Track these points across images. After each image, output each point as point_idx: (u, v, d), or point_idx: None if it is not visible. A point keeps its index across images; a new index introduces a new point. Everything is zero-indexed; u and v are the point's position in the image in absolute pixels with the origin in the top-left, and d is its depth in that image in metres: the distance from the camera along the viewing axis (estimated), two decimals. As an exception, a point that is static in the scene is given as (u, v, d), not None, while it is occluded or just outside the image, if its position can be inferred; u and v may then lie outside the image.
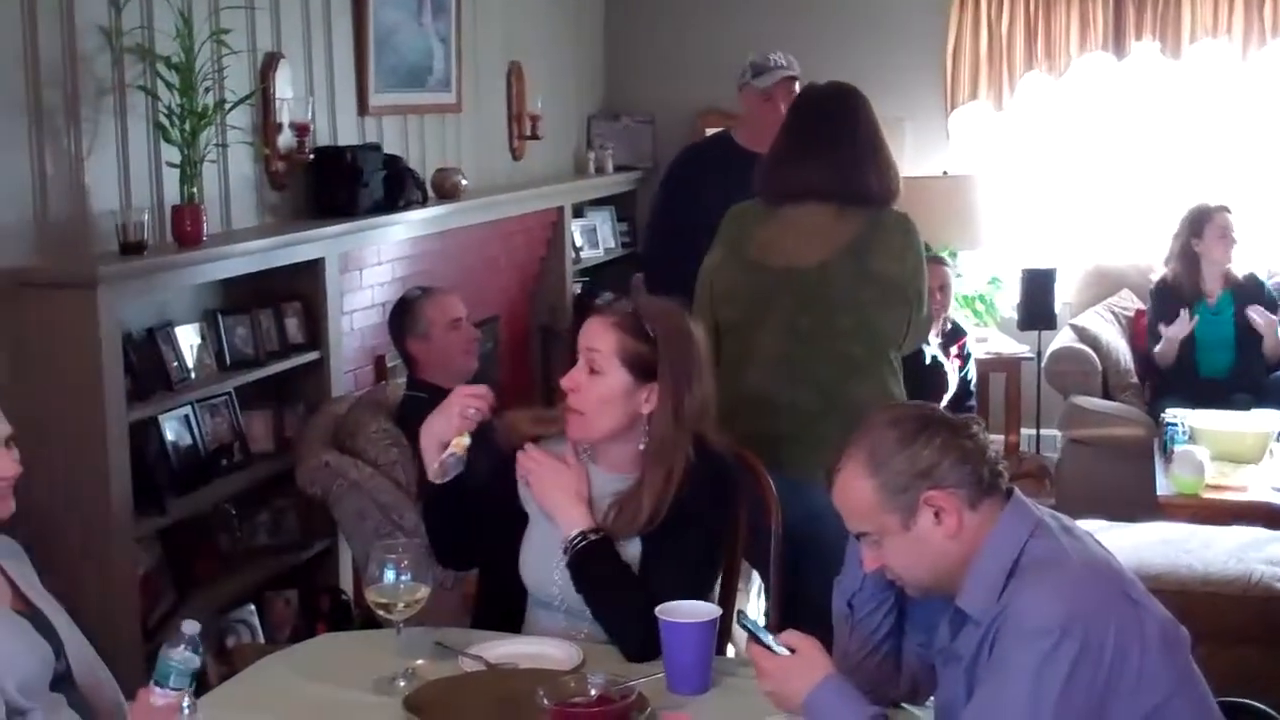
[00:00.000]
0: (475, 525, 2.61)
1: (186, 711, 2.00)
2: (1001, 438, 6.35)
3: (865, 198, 3.35)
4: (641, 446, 2.56)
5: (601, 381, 2.53)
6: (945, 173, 6.76)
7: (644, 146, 7.37)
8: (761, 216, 3.47)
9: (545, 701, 2.14)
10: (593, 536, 2.50)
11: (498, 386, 5.53)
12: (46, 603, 2.49)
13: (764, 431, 3.21)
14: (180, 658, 2.17)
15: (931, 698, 2.24)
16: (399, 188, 4.88)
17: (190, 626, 2.22)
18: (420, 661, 2.40)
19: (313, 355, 4.53)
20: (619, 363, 2.53)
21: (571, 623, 2.58)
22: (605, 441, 2.59)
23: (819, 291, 3.32)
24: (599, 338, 2.55)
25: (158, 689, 2.17)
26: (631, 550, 2.55)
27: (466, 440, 2.52)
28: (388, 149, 5.00)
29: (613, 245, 7.26)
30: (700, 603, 2.37)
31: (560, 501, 2.55)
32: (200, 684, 2.22)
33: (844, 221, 3.34)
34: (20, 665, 2.32)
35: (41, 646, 2.38)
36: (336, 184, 4.62)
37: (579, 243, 6.86)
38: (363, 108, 5.03)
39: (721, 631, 2.54)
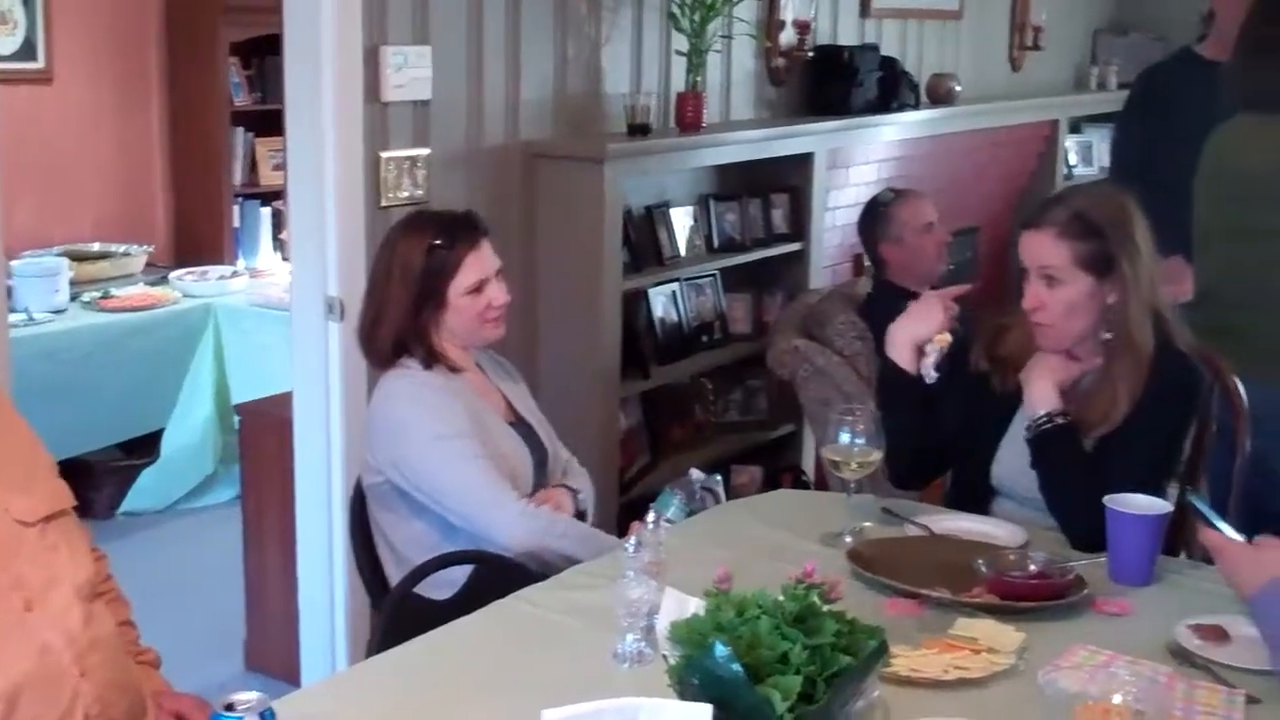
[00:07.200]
0: (936, 430, 2.66)
1: (653, 531, 2.19)
2: None
3: None
4: (1107, 337, 2.55)
5: (1064, 291, 2.52)
6: None
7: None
8: (1233, 123, 3.30)
9: (984, 569, 2.22)
10: (1060, 420, 2.51)
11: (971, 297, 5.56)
12: (534, 417, 2.83)
13: (1214, 325, 3.08)
14: (680, 499, 2.45)
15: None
16: (893, 89, 4.97)
17: (697, 475, 2.47)
18: (867, 524, 2.53)
19: (795, 246, 4.71)
20: (1078, 270, 2.51)
21: (1041, 519, 2.57)
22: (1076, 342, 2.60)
23: (1268, 193, 3.16)
24: (1049, 253, 2.53)
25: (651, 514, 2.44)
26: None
27: (949, 336, 2.61)
28: (885, 51, 5.08)
29: (1108, 164, 7.02)
30: (1153, 498, 2.35)
31: (1036, 380, 2.56)
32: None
33: None
34: (514, 465, 2.67)
35: (524, 452, 2.73)
36: (832, 81, 4.76)
37: (1072, 160, 6.71)
38: (865, 9, 5.15)
39: (1176, 533, 2.54)
